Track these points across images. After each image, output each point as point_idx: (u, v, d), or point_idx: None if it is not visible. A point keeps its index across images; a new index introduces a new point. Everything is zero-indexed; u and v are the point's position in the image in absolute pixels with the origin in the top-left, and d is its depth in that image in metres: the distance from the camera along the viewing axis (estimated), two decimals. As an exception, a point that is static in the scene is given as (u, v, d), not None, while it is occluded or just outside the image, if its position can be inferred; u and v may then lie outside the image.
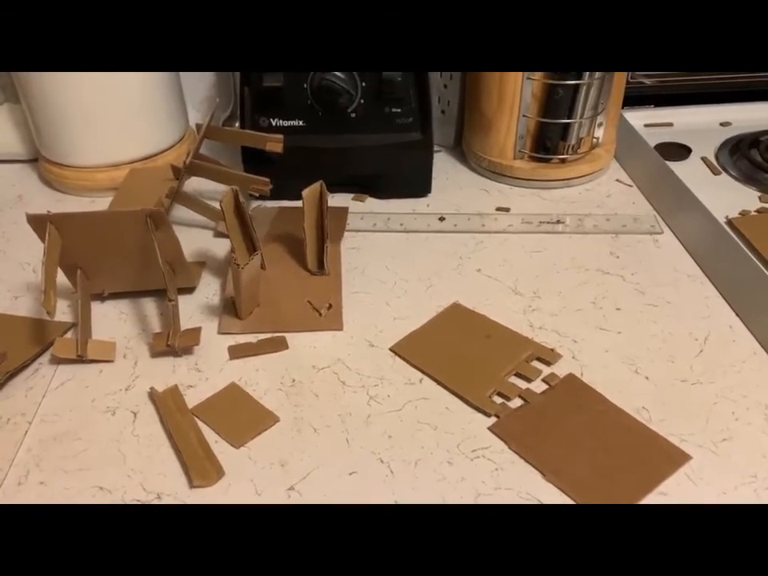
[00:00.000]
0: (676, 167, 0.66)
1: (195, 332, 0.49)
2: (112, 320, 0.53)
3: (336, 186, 0.66)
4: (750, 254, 0.54)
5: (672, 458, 0.41)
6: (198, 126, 0.63)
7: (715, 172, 0.70)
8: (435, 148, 0.67)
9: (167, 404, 0.45)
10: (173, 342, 0.48)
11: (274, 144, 0.60)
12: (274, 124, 0.64)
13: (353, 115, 0.63)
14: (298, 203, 0.55)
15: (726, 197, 0.64)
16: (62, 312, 0.54)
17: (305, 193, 0.54)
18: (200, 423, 0.44)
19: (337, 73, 0.60)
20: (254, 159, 0.64)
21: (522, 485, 0.40)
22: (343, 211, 0.65)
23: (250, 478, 0.41)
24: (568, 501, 0.39)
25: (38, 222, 0.48)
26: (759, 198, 0.65)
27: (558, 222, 0.64)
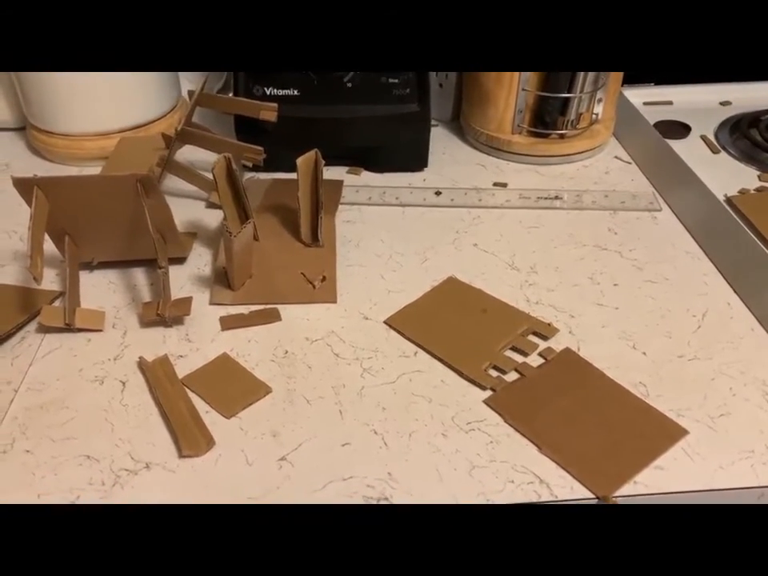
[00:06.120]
0: (675, 145, 0.66)
1: (186, 302, 0.48)
2: (101, 289, 0.52)
3: (331, 159, 0.65)
4: (748, 231, 0.54)
5: (669, 433, 0.41)
6: (191, 93, 0.61)
7: (714, 150, 0.69)
8: (432, 122, 0.66)
9: (157, 373, 0.44)
10: (163, 312, 0.47)
11: (268, 113, 0.59)
12: (268, 93, 0.62)
13: (349, 85, 0.62)
14: (292, 175, 0.54)
15: (724, 175, 0.64)
16: (50, 281, 0.53)
17: (299, 161, 0.53)
18: (190, 393, 0.44)
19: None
20: (247, 129, 0.62)
21: (517, 458, 0.40)
22: (338, 184, 0.64)
23: (241, 448, 0.40)
24: (564, 474, 0.39)
25: (25, 186, 0.46)
26: (758, 176, 0.65)
27: (556, 197, 0.63)
